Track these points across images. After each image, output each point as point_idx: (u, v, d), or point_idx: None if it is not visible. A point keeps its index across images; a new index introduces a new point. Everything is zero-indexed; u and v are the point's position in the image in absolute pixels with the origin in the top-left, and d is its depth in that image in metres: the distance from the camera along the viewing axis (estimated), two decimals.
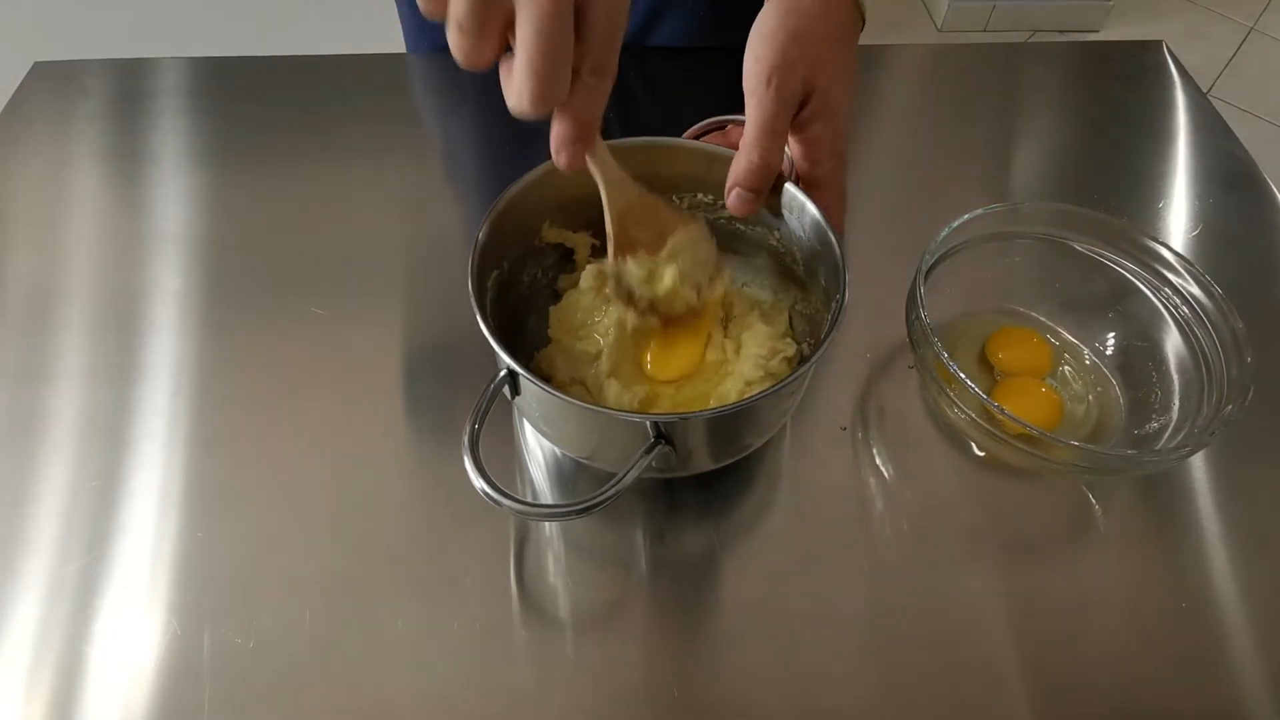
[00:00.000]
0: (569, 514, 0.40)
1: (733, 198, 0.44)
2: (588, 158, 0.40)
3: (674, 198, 0.50)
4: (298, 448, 0.50)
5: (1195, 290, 0.50)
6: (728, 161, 0.44)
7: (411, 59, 0.78)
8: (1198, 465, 0.51)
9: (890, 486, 0.50)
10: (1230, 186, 0.66)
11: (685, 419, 0.40)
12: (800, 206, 0.45)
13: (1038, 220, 0.54)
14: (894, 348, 0.55)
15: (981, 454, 0.51)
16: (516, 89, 0.33)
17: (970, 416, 0.47)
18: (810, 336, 0.50)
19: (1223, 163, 0.69)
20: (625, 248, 0.44)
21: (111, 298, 0.58)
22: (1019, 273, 0.56)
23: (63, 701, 0.41)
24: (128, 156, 0.67)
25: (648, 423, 0.39)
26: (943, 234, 0.51)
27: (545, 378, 0.48)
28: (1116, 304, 0.53)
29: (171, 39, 1.61)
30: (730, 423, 0.43)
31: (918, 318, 0.47)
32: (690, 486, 0.49)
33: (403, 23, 0.80)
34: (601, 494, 0.38)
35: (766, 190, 0.44)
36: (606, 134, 0.45)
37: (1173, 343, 0.51)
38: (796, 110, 0.43)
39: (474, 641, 0.43)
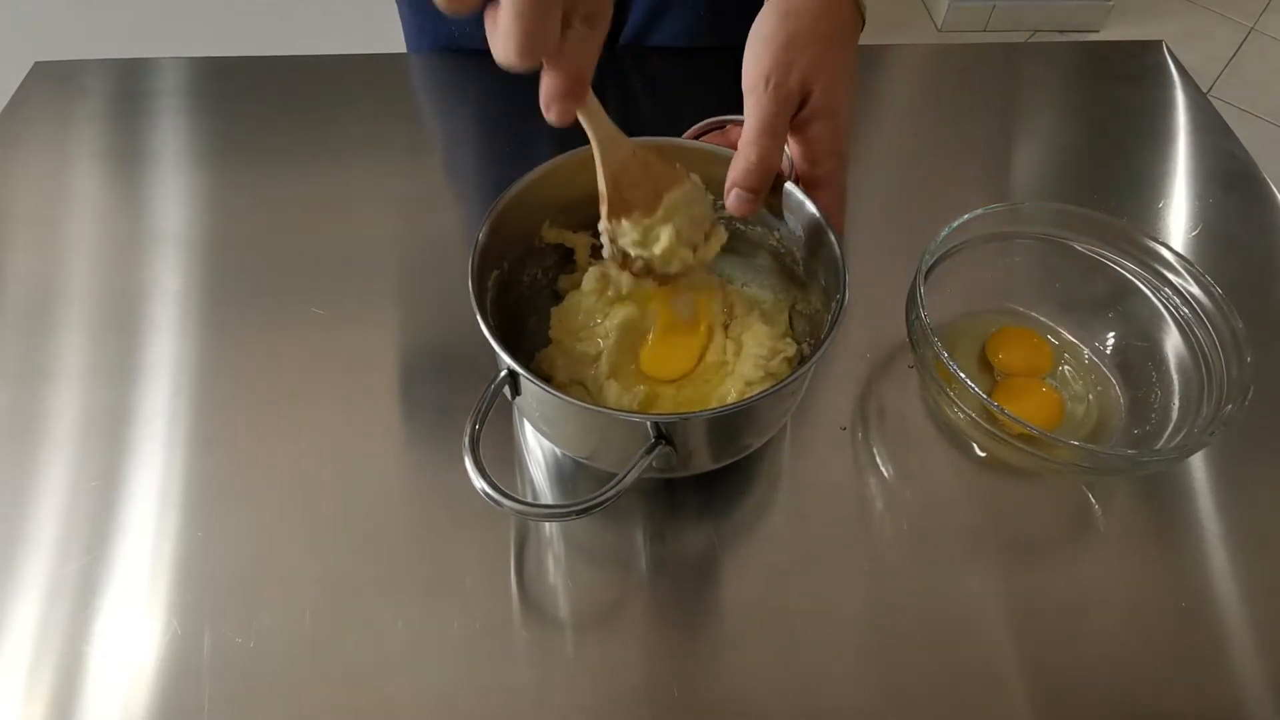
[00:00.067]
0: (569, 514, 0.40)
1: (732, 198, 0.43)
2: (579, 113, 0.39)
3: None
4: (298, 448, 0.50)
5: (1195, 290, 0.50)
6: (727, 161, 0.44)
7: (411, 59, 0.78)
8: (1198, 465, 0.51)
9: (890, 486, 0.50)
10: (1230, 186, 0.66)
11: (686, 419, 0.40)
12: (800, 206, 0.45)
13: (1038, 220, 0.54)
14: (894, 348, 0.55)
15: (982, 454, 0.51)
16: (502, 36, 0.31)
17: (970, 416, 0.47)
18: (810, 336, 0.50)
19: (1223, 163, 0.69)
20: (619, 209, 0.43)
21: (111, 298, 0.58)
22: (1019, 273, 0.56)
23: (63, 701, 0.41)
24: (128, 156, 0.67)
25: (648, 423, 0.39)
26: (943, 234, 0.51)
27: (545, 378, 0.48)
28: (1116, 304, 0.53)
29: (171, 39, 1.61)
30: (730, 423, 0.43)
31: (918, 318, 0.47)
32: (690, 486, 0.49)
33: (403, 23, 0.80)
34: (602, 494, 0.38)
35: (766, 190, 0.44)
36: None
37: (1173, 343, 0.51)
38: (795, 110, 0.43)
39: (474, 641, 0.43)
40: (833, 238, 0.44)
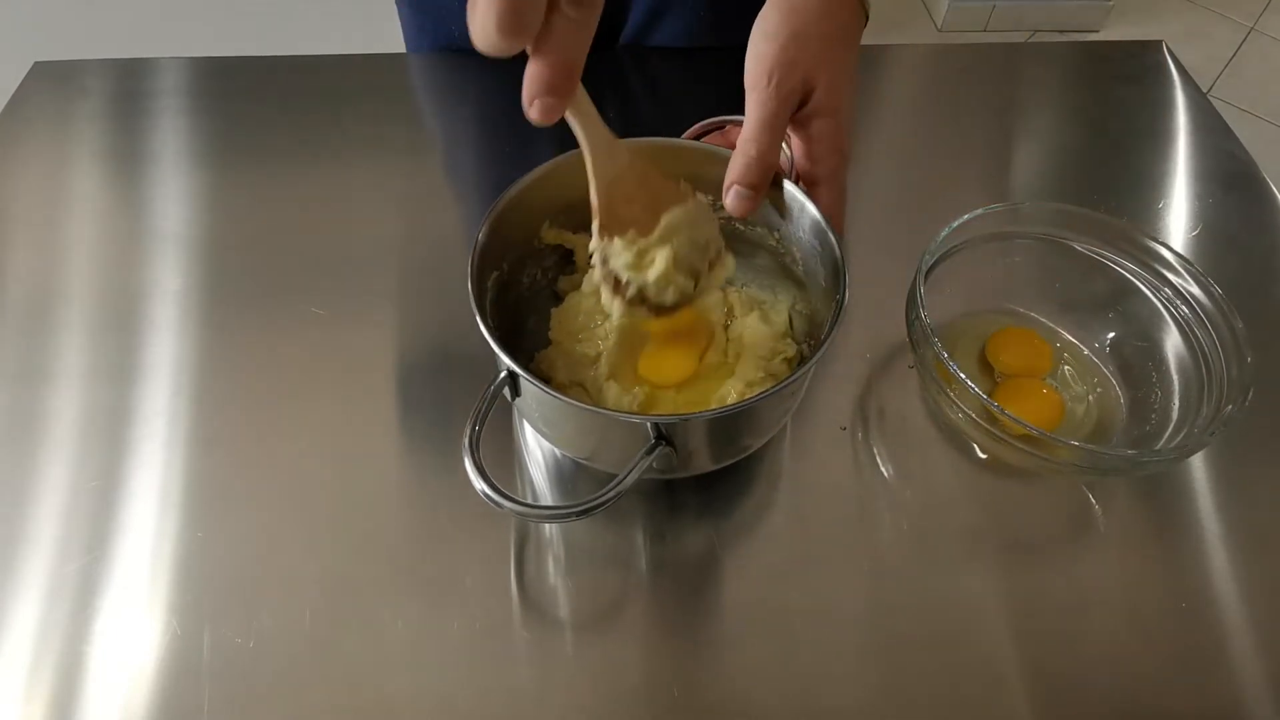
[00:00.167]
0: (569, 515, 0.40)
1: (731, 196, 0.43)
2: (569, 114, 0.34)
3: None
4: (298, 448, 0.50)
5: (1195, 290, 0.50)
6: (727, 161, 0.44)
7: (411, 59, 0.78)
8: (1198, 465, 0.51)
9: (890, 486, 0.50)
10: (1230, 186, 0.66)
11: (686, 420, 0.40)
12: (800, 206, 0.45)
13: (1038, 220, 0.54)
14: (894, 348, 0.55)
15: (983, 455, 0.50)
16: (481, 12, 0.27)
17: (970, 417, 0.47)
18: (810, 337, 0.50)
19: (1223, 163, 0.69)
20: (612, 226, 0.39)
21: (111, 298, 0.58)
22: (1019, 273, 0.56)
23: (63, 701, 0.41)
24: (128, 156, 0.67)
25: (648, 424, 0.39)
26: (943, 234, 0.51)
27: (545, 379, 0.48)
28: (1116, 304, 0.53)
29: (171, 39, 1.61)
30: (731, 423, 0.43)
31: (918, 318, 0.47)
32: (690, 487, 0.49)
33: (403, 23, 0.80)
34: (602, 495, 0.38)
35: (765, 187, 0.43)
36: None
37: (1173, 343, 0.51)
38: (796, 108, 0.43)
39: (474, 641, 0.43)
40: (833, 238, 0.43)
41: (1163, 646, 0.44)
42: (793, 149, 0.46)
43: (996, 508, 0.49)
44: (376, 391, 0.53)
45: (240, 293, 0.58)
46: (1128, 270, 0.53)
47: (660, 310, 0.41)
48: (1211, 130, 0.71)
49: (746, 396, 0.45)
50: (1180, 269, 0.51)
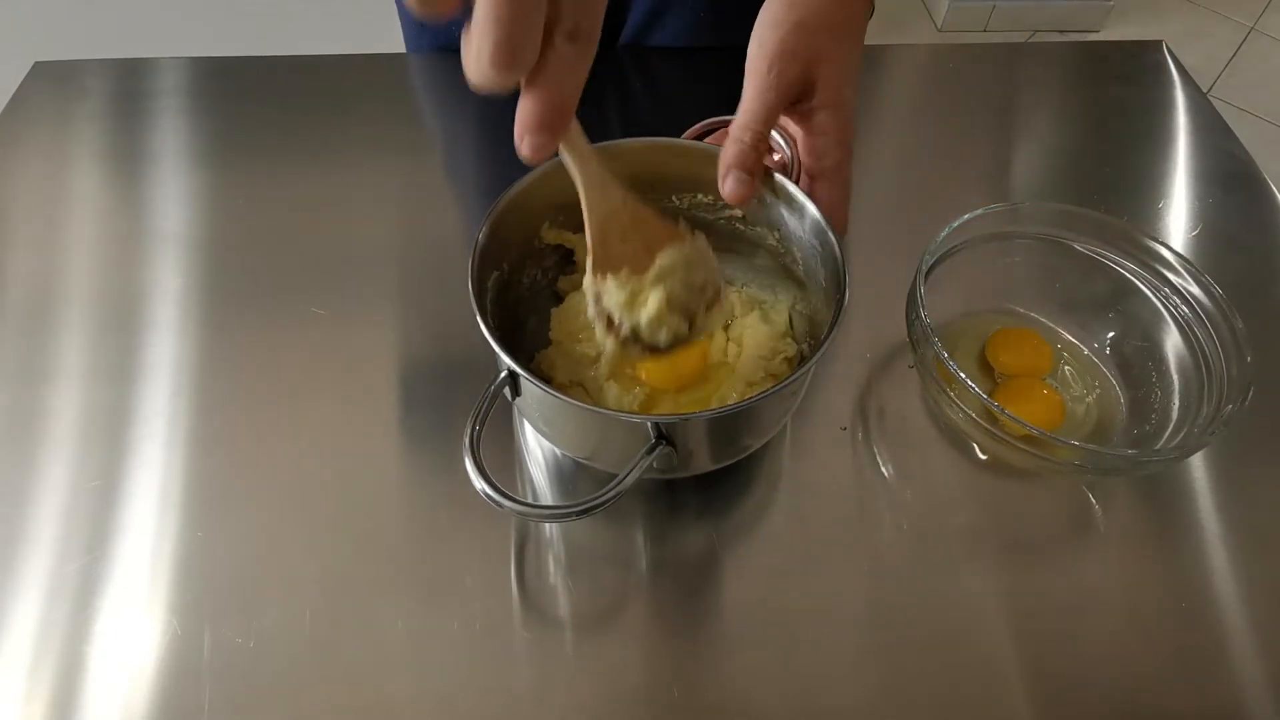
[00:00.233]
0: (569, 515, 0.40)
1: (730, 180, 0.42)
2: (561, 148, 0.34)
3: (674, 198, 0.50)
4: (298, 448, 0.50)
5: (1195, 290, 0.50)
6: None
7: (411, 59, 0.78)
8: (1198, 465, 0.51)
9: (890, 486, 0.50)
10: (1230, 186, 0.66)
11: (686, 420, 0.40)
12: (800, 206, 0.45)
13: (1038, 220, 0.54)
14: (894, 348, 0.55)
15: (983, 455, 0.50)
16: (475, 45, 0.27)
17: (971, 417, 0.47)
18: (810, 337, 0.50)
19: (1223, 163, 0.69)
20: (604, 263, 0.38)
21: (111, 298, 0.58)
22: (1019, 273, 0.56)
23: (63, 701, 0.41)
24: (128, 156, 0.67)
25: (648, 424, 0.39)
26: (943, 234, 0.51)
27: (545, 379, 0.48)
28: (1116, 304, 0.53)
29: (171, 39, 1.61)
30: (731, 423, 0.43)
31: (918, 318, 0.47)
32: (691, 487, 0.49)
33: (403, 23, 0.80)
34: (602, 495, 0.38)
35: (760, 172, 0.43)
36: (607, 134, 0.45)
37: (1173, 343, 0.51)
38: (795, 100, 0.43)
39: (474, 641, 0.43)
40: (833, 238, 0.43)
41: (1163, 646, 0.44)
42: (796, 143, 0.46)
43: (996, 508, 0.49)
44: (376, 391, 0.53)
45: (240, 293, 0.58)
46: (1128, 270, 0.53)
47: (655, 350, 0.41)
48: (1211, 130, 0.71)
49: (747, 396, 0.45)
50: (1180, 269, 0.51)
